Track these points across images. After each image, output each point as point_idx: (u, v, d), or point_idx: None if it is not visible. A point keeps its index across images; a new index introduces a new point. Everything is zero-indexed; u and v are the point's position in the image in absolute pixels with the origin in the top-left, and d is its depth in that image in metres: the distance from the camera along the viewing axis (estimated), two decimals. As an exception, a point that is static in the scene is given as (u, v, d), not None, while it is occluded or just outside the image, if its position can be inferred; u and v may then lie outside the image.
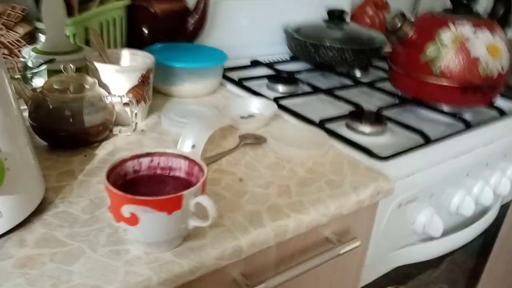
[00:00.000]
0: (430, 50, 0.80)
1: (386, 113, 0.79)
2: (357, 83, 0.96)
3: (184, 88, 0.78)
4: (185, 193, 0.38)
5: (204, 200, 0.38)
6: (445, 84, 0.80)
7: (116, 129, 0.62)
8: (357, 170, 0.59)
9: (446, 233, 0.73)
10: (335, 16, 1.04)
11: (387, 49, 1.03)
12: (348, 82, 0.97)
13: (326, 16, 1.07)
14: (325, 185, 0.55)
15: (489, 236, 1.01)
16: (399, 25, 0.82)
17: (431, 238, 0.74)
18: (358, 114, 0.77)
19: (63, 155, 0.56)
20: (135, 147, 0.61)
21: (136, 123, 0.62)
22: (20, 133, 0.43)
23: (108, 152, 0.58)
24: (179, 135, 0.63)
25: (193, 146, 0.58)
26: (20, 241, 0.41)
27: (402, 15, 0.81)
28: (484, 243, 1.01)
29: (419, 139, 0.71)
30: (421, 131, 0.72)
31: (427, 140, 0.70)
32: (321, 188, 0.54)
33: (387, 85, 0.92)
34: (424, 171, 0.65)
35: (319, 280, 0.59)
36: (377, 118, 0.76)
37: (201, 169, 0.43)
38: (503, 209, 0.99)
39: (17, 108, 0.44)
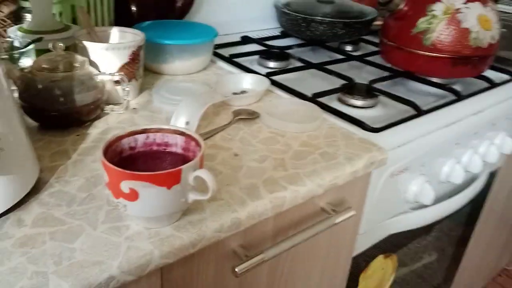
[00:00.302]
0: (421, 22, 0.80)
1: (378, 86, 0.79)
2: (348, 57, 0.95)
3: (175, 66, 0.77)
4: (184, 167, 0.38)
5: (203, 173, 0.39)
6: (436, 55, 0.80)
7: (108, 108, 0.62)
8: (351, 142, 0.59)
9: (436, 201, 0.75)
10: (325, -10, 1.03)
11: (378, 22, 1.03)
12: (339, 56, 0.97)
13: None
14: (319, 157, 0.55)
15: (476, 204, 1.03)
16: (389, -3, 0.81)
17: (422, 206, 0.76)
18: (349, 88, 0.77)
19: (56, 135, 0.56)
20: (127, 125, 0.60)
21: (128, 101, 0.62)
22: (12, 113, 0.43)
23: (100, 131, 0.58)
24: (172, 112, 0.63)
25: (187, 123, 0.58)
26: (18, 221, 0.41)
27: (393, -13, 0.81)
28: (472, 211, 1.04)
29: (410, 111, 0.72)
30: (412, 102, 0.73)
31: (418, 111, 0.71)
32: (316, 160, 0.54)
33: (378, 59, 0.92)
34: (415, 142, 0.66)
35: (315, 250, 0.60)
36: (369, 91, 0.76)
37: (198, 144, 0.43)
38: (491, 177, 1.01)
39: (8, 88, 0.43)
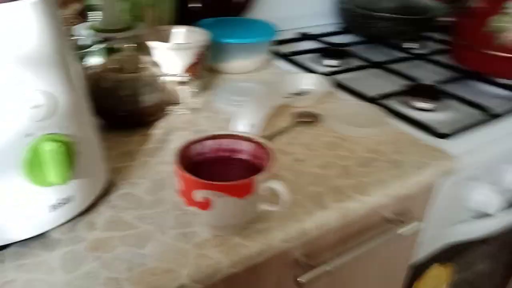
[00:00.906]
0: (496, 21, 0.75)
1: (444, 87, 0.75)
2: (411, 56, 0.91)
3: (234, 64, 0.77)
4: (257, 177, 0.37)
5: (276, 184, 0.38)
6: (509, 56, 0.75)
7: (172, 109, 0.62)
8: (418, 149, 0.56)
9: (500, 210, 0.70)
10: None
11: (444, 19, 0.97)
12: (401, 55, 0.92)
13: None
14: (386, 164, 0.53)
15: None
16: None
17: (485, 215, 0.71)
18: (414, 89, 0.73)
19: (120, 135, 0.57)
20: (190, 126, 0.61)
21: (192, 102, 0.62)
22: (87, 114, 0.44)
23: (164, 132, 0.59)
24: (233, 113, 0.63)
25: (250, 126, 0.58)
26: (90, 224, 0.42)
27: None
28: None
29: (479, 115, 0.67)
30: (482, 106, 0.68)
31: (489, 116, 0.66)
32: (382, 168, 0.52)
33: (444, 58, 0.87)
34: (484, 148, 0.62)
35: (373, 258, 0.58)
36: (435, 93, 0.72)
37: (268, 152, 0.42)
38: None
39: (84, 89, 0.44)
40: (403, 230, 0.51)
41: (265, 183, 0.39)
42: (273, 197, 0.39)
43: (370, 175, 0.51)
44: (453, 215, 0.68)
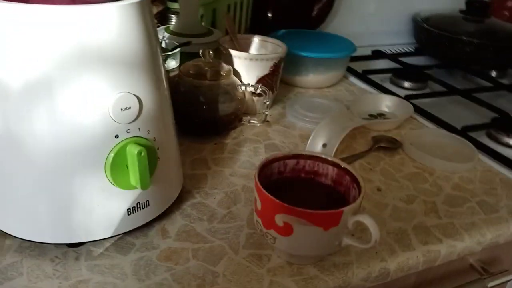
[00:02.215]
0: None
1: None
2: (495, 85, 0.84)
3: (308, 79, 0.74)
4: (346, 209, 0.34)
5: (366, 219, 0.34)
6: None
7: (245, 119, 0.60)
8: (514, 193, 0.51)
9: None
10: (475, 8, 0.93)
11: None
12: (483, 82, 0.86)
13: (461, 7, 0.96)
14: (477, 207, 0.48)
15: None
16: None
17: None
18: (504, 123, 0.67)
19: (194, 142, 0.56)
20: (262, 138, 0.58)
21: (266, 114, 0.60)
22: (169, 119, 0.42)
23: (236, 142, 0.57)
24: (305, 129, 0.60)
25: (324, 145, 0.55)
26: (163, 231, 0.41)
27: None
28: None
29: None
30: None
31: None
32: (474, 210, 0.47)
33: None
34: None
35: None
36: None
37: (355, 180, 0.39)
38: None
39: (168, 94, 0.43)
40: (493, 282, 0.45)
41: (353, 217, 0.35)
42: (355, 230, 0.36)
43: (460, 216, 0.46)
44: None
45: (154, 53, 0.38)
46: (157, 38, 0.40)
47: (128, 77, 0.35)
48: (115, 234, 0.38)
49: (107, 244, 0.39)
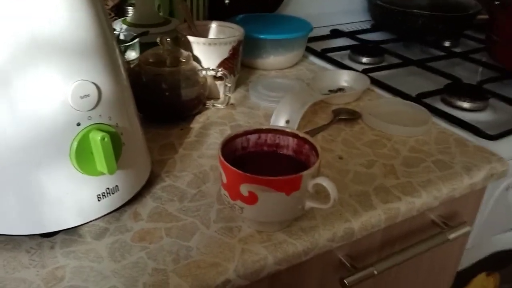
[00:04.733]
0: (542, 17, 0.72)
1: (486, 86, 0.73)
2: (449, 53, 0.88)
3: (269, 61, 0.76)
4: (304, 173, 0.36)
5: (324, 181, 0.37)
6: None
7: (209, 103, 0.62)
8: (466, 150, 0.54)
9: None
10: (424, -19, 0.96)
11: (481, 16, 0.95)
12: (438, 52, 0.90)
13: (413, -19, 0.99)
14: (433, 165, 0.51)
15: None
16: (505, -12, 0.74)
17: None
18: (456, 88, 0.71)
19: (160, 128, 0.57)
20: (227, 121, 0.60)
21: (229, 96, 0.61)
22: (130, 105, 0.43)
23: (202, 126, 0.58)
24: (269, 109, 0.62)
25: (287, 122, 0.57)
26: (135, 215, 0.42)
27: (511, -23, 0.73)
28: None
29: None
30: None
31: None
32: (430, 168, 0.51)
33: (482, 56, 0.84)
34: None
35: (419, 263, 0.57)
36: (478, 93, 0.70)
37: (313, 148, 0.41)
38: None
39: (127, 81, 0.44)
40: (454, 235, 0.49)
41: (312, 180, 0.37)
42: (318, 195, 0.38)
43: (417, 175, 0.49)
44: (504, 222, 0.65)
45: (107, 40, 0.38)
46: (110, 26, 0.40)
47: (83, 65, 0.36)
48: (88, 221, 0.39)
49: (81, 231, 0.40)
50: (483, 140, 0.58)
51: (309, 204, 0.38)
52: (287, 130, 0.43)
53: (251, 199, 0.37)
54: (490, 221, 0.62)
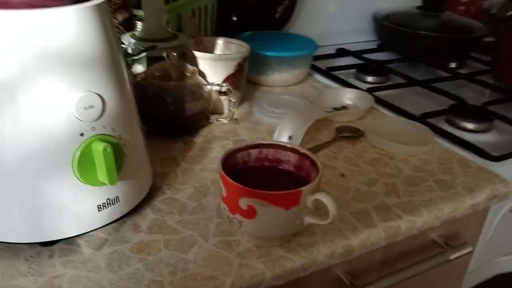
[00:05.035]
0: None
1: (491, 108, 0.73)
2: (454, 75, 0.89)
3: (274, 77, 0.77)
4: (304, 188, 0.36)
5: (323, 197, 0.37)
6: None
7: (213, 118, 0.62)
8: (469, 170, 0.54)
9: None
10: (431, 4, 0.97)
11: (487, 39, 0.95)
12: (443, 74, 0.90)
13: (418, 4, 1.00)
14: (435, 185, 0.51)
15: None
16: (510, 13, 0.74)
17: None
18: (461, 109, 0.71)
19: (164, 141, 0.57)
20: (230, 136, 0.60)
21: (233, 112, 0.62)
22: (134, 119, 0.44)
23: (205, 140, 0.59)
24: (273, 125, 0.62)
25: (290, 138, 0.57)
26: (134, 226, 0.42)
27: (516, 1, 0.74)
28: None
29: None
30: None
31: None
32: (432, 188, 0.50)
33: (488, 78, 0.85)
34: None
35: (421, 284, 0.56)
36: (482, 114, 0.70)
37: (313, 164, 0.41)
38: None
39: (132, 94, 0.44)
40: (455, 255, 0.48)
41: (311, 195, 0.38)
42: (318, 211, 0.38)
43: (419, 194, 0.49)
44: (508, 244, 0.65)
45: (114, 53, 0.39)
46: (118, 39, 0.41)
47: (89, 77, 0.37)
48: (87, 231, 0.40)
49: (80, 241, 0.40)
50: (487, 161, 0.57)
51: (308, 219, 0.38)
52: (288, 145, 0.43)
53: (250, 213, 0.37)
54: (493, 243, 0.61)
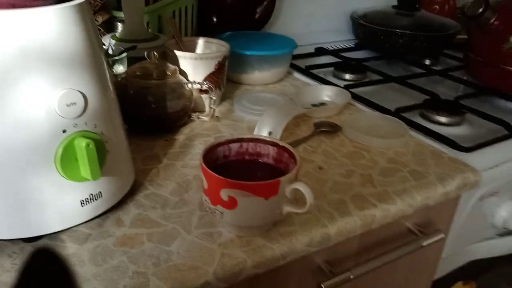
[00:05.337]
0: (514, 37, 0.75)
1: (463, 102, 0.76)
2: (428, 71, 0.92)
3: (254, 76, 0.78)
4: (282, 178, 0.38)
5: (301, 186, 0.38)
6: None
7: (194, 115, 0.63)
8: (441, 161, 0.56)
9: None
10: (406, 3, 1.00)
11: (460, 36, 0.99)
12: (418, 70, 0.93)
13: (394, 3, 1.03)
14: (409, 175, 0.53)
15: None
16: (480, 10, 0.77)
17: (510, 233, 0.70)
18: (434, 103, 0.74)
19: (145, 140, 0.58)
20: (212, 133, 0.62)
21: (214, 109, 0.63)
22: (116, 116, 0.45)
23: (187, 137, 0.60)
24: (253, 122, 0.64)
25: (270, 133, 0.59)
26: (117, 221, 0.43)
27: (484, 0, 0.77)
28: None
29: (500, 130, 0.67)
30: (504, 121, 0.68)
31: (510, 131, 0.66)
32: (405, 178, 0.52)
33: (461, 74, 0.88)
34: (509, 163, 0.62)
35: (396, 271, 0.58)
36: (455, 108, 0.73)
37: (292, 156, 0.43)
38: None
39: (113, 91, 0.45)
40: (427, 241, 0.50)
41: (290, 185, 0.39)
42: (297, 201, 0.40)
43: (393, 184, 0.51)
44: (479, 231, 0.67)
45: (96, 52, 0.40)
46: (99, 40, 0.42)
47: (71, 75, 0.37)
48: (71, 226, 0.40)
49: (64, 236, 0.41)
50: (459, 152, 0.60)
51: (287, 208, 0.40)
52: (268, 139, 0.45)
53: (231, 203, 0.38)
54: (465, 230, 0.64)
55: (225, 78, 0.69)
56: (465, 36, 0.91)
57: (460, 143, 0.61)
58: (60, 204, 0.39)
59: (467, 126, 0.70)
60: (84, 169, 0.38)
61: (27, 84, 0.35)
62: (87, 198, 0.40)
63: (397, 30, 0.95)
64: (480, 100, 0.80)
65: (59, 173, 0.38)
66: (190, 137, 0.60)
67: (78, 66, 0.38)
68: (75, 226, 0.41)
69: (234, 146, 0.45)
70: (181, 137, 0.60)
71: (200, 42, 0.72)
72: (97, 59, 0.40)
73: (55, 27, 0.36)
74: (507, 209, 0.66)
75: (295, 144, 0.59)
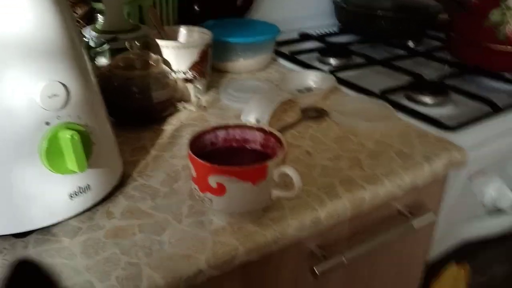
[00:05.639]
0: (495, 15, 0.76)
1: (447, 82, 0.76)
2: (412, 53, 0.92)
3: (239, 64, 0.78)
4: (269, 163, 0.38)
5: (289, 170, 0.38)
6: (510, 50, 0.76)
7: (180, 105, 0.63)
8: (427, 141, 0.57)
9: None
10: (387, -15, 1.00)
11: (442, 16, 0.99)
12: (402, 52, 0.94)
13: (376, -15, 1.03)
14: (396, 156, 0.54)
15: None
16: (460, -11, 0.78)
17: (500, 212, 0.72)
18: (418, 85, 0.74)
19: (132, 131, 0.58)
20: (199, 122, 0.61)
21: (200, 98, 0.63)
22: (100, 108, 0.44)
23: (175, 128, 0.59)
24: (240, 110, 0.63)
25: (257, 121, 0.58)
26: (107, 213, 0.43)
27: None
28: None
29: (484, 109, 0.68)
30: (488, 100, 0.69)
31: (496, 109, 0.67)
32: (393, 159, 0.53)
33: (444, 54, 0.88)
34: (495, 142, 0.63)
35: (388, 251, 0.59)
36: (439, 88, 0.73)
37: (278, 141, 0.43)
38: None
39: (96, 83, 0.45)
40: (417, 222, 0.51)
41: (277, 169, 0.39)
42: (286, 187, 0.40)
43: (381, 166, 0.51)
44: (468, 210, 0.68)
45: (75, 43, 0.39)
46: (78, 31, 0.41)
47: (51, 66, 0.37)
48: (61, 220, 0.40)
49: (54, 230, 0.40)
50: (444, 132, 0.61)
51: (276, 193, 0.40)
52: (254, 125, 0.45)
53: (220, 190, 0.38)
54: (456, 211, 0.65)
55: (209, 67, 0.69)
56: (447, 17, 0.91)
57: (445, 122, 0.62)
58: (49, 198, 0.38)
59: (453, 106, 0.71)
60: (70, 161, 0.38)
61: (6, 76, 0.34)
62: (76, 191, 0.40)
63: (380, 13, 0.95)
64: (465, 80, 0.81)
65: (45, 166, 0.37)
66: (177, 127, 0.60)
67: (58, 58, 0.37)
68: (66, 220, 0.40)
69: (221, 134, 0.45)
70: (168, 127, 0.59)
71: (182, 31, 0.71)
72: (77, 50, 0.40)
73: (31, 18, 0.35)
74: (496, 188, 0.67)
75: (283, 130, 0.59)
